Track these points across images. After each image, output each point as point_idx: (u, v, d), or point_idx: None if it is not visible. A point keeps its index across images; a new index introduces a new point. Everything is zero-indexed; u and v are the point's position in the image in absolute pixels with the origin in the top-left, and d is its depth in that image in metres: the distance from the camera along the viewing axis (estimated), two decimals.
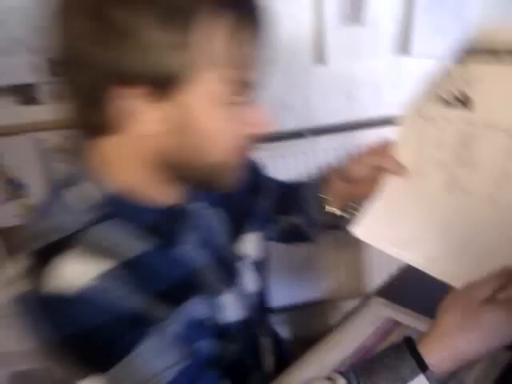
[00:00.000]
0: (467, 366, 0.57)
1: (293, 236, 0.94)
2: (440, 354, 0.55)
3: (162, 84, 0.51)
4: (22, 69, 1.38)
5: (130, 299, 0.55)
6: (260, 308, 0.81)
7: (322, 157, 1.54)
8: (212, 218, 0.72)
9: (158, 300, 0.58)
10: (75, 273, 0.52)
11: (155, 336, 0.56)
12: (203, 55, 0.50)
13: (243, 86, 0.54)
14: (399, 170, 0.72)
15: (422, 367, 0.54)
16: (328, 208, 0.83)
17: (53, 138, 1.47)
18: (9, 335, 1.65)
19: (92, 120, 0.56)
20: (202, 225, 0.69)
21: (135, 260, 0.58)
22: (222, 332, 0.67)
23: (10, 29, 1.33)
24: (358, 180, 0.76)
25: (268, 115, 0.59)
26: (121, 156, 0.59)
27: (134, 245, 0.58)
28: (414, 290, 0.86)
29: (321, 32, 1.49)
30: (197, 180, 0.62)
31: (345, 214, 0.82)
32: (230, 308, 0.70)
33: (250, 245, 0.78)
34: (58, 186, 0.61)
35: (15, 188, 1.52)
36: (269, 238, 0.91)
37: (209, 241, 0.69)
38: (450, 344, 0.55)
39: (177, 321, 0.60)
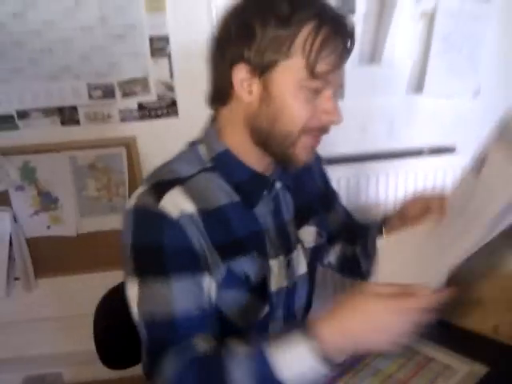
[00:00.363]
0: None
1: (350, 266, 1.03)
2: (329, 327, 0.64)
3: (266, 66, 0.72)
4: (66, 93, 1.52)
5: (198, 240, 0.73)
6: (307, 295, 0.93)
7: (335, 184, 1.62)
8: (284, 196, 0.88)
9: (218, 251, 0.75)
10: (171, 204, 0.73)
11: (194, 278, 0.73)
12: (298, 52, 0.70)
13: (320, 78, 0.71)
14: (441, 211, 0.79)
15: (307, 331, 0.64)
16: None
17: (86, 156, 1.60)
18: (22, 341, 1.74)
19: (220, 89, 0.78)
20: (276, 197, 0.86)
21: (217, 209, 0.77)
22: (265, 296, 0.82)
23: (59, 57, 1.47)
24: (411, 217, 0.84)
25: (339, 112, 0.75)
26: (230, 120, 0.79)
27: (221, 196, 0.79)
28: None
29: None
30: (272, 148, 0.77)
31: None
32: (277, 273, 0.84)
33: (307, 234, 0.92)
34: (193, 143, 0.84)
35: (47, 201, 1.63)
36: (328, 265, 1.06)
37: (277, 213, 0.86)
38: (337, 319, 0.64)
39: (222, 272, 0.76)
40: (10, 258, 1.62)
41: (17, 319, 1.71)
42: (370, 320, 0.63)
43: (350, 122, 1.67)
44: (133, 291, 0.74)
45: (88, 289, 1.69)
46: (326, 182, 1.05)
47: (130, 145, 1.59)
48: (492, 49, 1.62)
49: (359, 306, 0.64)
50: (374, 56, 1.57)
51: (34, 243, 1.65)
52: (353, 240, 1.01)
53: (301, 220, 0.91)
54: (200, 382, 0.69)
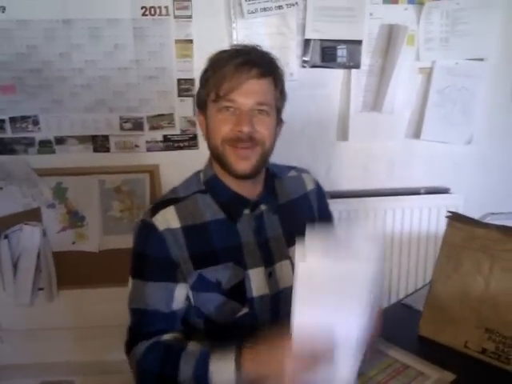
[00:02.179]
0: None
1: None
2: (251, 361, 0.82)
3: (203, 104, 0.98)
4: (100, 123, 1.71)
5: (175, 252, 0.94)
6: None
7: (337, 216, 1.76)
8: (269, 217, 1.03)
9: (192, 261, 0.95)
10: (161, 219, 0.95)
11: (166, 285, 0.95)
12: (211, 87, 0.94)
13: (227, 104, 0.93)
14: None
15: (240, 355, 0.83)
16: None
17: (113, 180, 1.77)
18: (41, 348, 1.86)
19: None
20: (260, 217, 1.01)
21: (201, 225, 0.97)
22: (246, 300, 0.97)
23: (96, 92, 1.68)
24: None
25: (243, 122, 0.92)
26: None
27: (208, 213, 0.98)
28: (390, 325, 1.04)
29: (346, 114, 1.78)
30: (221, 164, 0.97)
31: None
32: (256, 281, 0.98)
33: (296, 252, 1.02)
34: (198, 171, 1.05)
35: (74, 219, 1.79)
36: None
37: (260, 230, 1.01)
38: (258, 358, 0.81)
39: (193, 277, 0.95)
40: (37, 269, 1.77)
41: (37, 327, 1.84)
42: (275, 369, 0.78)
43: (354, 161, 1.84)
44: (129, 284, 1.00)
45: (105, 302, 1.83)
46: (325, 214, 1.16)
47: (153, 172, 1.77)
48: (484, 102, 1.79)
49: (273, 357, 0.80)
50: (376, 104, 1.74)
51: (59, 257, 1.80)
52: None
53: (291, 240, 1.02)
54: (158, 361, 0.91)
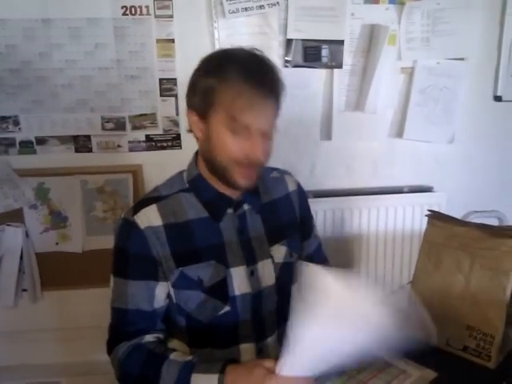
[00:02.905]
0: None
1: None
2: (233, 378, 0.83)
3: (204, 111, 0.93)
4: (82, 123, 1.69)
5: (157, 249, 0.94)
6: (276, 308, 1.04)
7: (321, 215, 1.78)
8: (251, 217, 1.03)
9: (174, 258, 0.95)
10: (143, 217, 0.95)
11: (147, 283, 0.95)
12: (221, 102, 0.90)
13: (241, 126, 0.90)
14: None
15: (223, 374, 0.83)
16: None
17: (96, 181, 1.75)
18: (25, 349, 1.84)
19: (190, 128, 0.99)
20: (242, 216, 1.02)
21: (184, 223, 0.97)
22: (227, 298, 0.98)
23: (77, 92, 1.66)
24: None
25: (258, 150, 0.91)
26: (199, 152, 1.01)
27: (191, 212, 0.98)
28: None
29: (329, 114, 1.78)
30: (218, 175, 0.96)
31: None
32: (238, 280, 0.99)
33: (278, 251, 1.06)
34: (181, 171, 1.04)
35: (57, 219, 1.77)
36: None
37: (243, 229, 1.02)
38: (242, 377, 0.82)
39: (175, 275, 0.95)
40: (20, 270, 1.74)
41: (22, 329, 1.82)
42: None
43: (337, 160, 1.85)
44: (110, 282, 1.00)
45: (90, 302, 1.82)
46: (306, 215, 1.18)
47: (136, 172, 1.75)
48: (465, 102, 1.81)
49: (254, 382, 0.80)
50: (358, 104, 1.75)
51: (42, 258, 1.78)
52: None
53: (273, 239, 1.06)
54: (140, 365, 0.91)
